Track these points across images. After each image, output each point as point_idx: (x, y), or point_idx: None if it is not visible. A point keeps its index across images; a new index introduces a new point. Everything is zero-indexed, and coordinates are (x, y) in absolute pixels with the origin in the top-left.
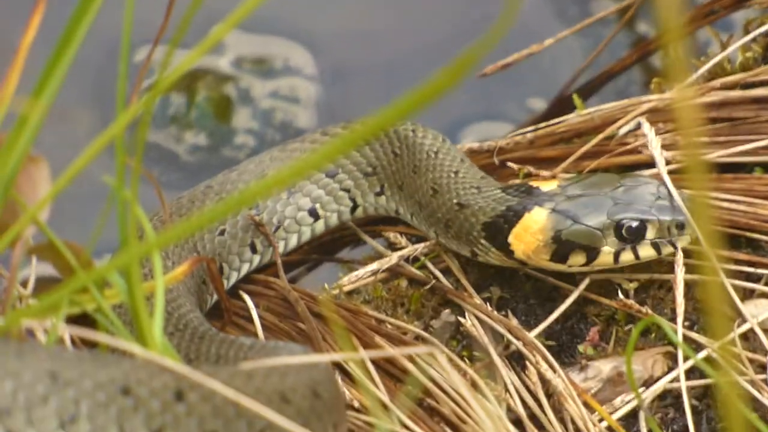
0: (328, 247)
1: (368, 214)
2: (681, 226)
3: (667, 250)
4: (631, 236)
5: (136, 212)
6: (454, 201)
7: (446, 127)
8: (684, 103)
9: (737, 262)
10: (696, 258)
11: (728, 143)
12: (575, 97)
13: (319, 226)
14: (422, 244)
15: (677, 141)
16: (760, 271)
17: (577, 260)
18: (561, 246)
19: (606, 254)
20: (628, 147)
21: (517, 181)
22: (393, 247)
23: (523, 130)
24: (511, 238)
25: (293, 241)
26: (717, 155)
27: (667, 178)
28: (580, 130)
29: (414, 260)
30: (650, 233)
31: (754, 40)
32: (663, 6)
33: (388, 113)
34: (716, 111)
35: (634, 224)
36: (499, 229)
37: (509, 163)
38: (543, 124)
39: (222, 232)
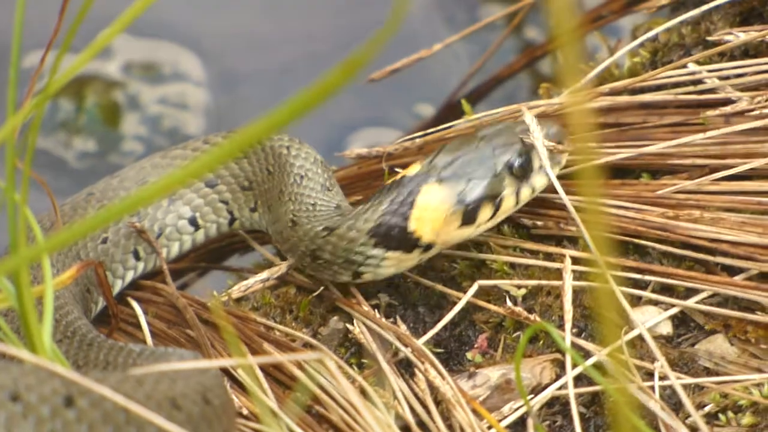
0: (217, 254)
1: (245, 228)
2: (559, 142)
3: (555, 170)
4: (522, 171)
5: (26, 216)
6: (318, 228)
7: (334, 132)
8: (575, 108)
9: (625, 268)
10: (585, 265)
11: (616, 148)
12: (464, 102)
13: (200, 235)
14: None
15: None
16: (647, 277)
17: (485, 215)
18: (467, 207)
19: (508, 197)
20: None
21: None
22: (282, 254)
23: (411, 136)
24: (412, 225)
25: (175, 249)
26: (605, 161)
27: (556, 183)
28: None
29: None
30: (536, 162)
31: (641, 45)
32: (554, 10)
33: (273, 118)
34: (604, 116)
35: (521, 159)
36: (391, 226)
37: (397, 169)
38: (432, 130)
39: (104, 240)
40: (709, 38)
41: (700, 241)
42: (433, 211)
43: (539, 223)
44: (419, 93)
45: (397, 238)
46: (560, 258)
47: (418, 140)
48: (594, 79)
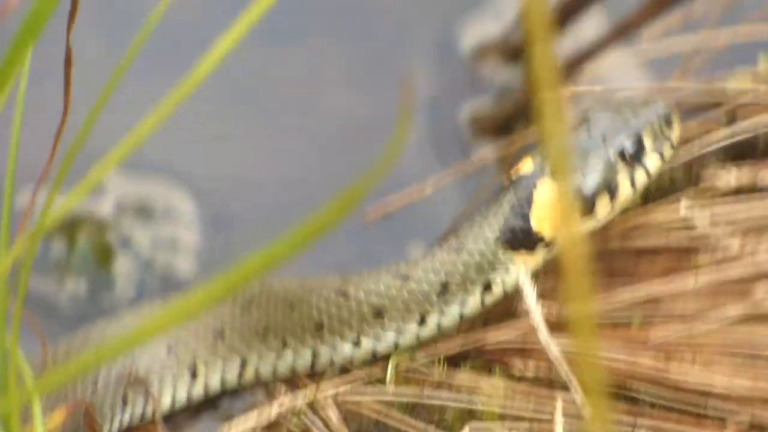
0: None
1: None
2: (667, 120)
3: (668, 151)
4: (635, 155)
5: (16, 359)
6: (401, 272)
7: (326, 270)
8: (571, 254)
9: (616, 414)
10: (576, 410)
11: (607, 295)
12: None
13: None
14: (302, 394)
15: (557, 291)
16: (639, 422)
17: (603, 204)
18: (584, 199)
19: (624, 183)
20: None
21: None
22: (271, 396)
23: None
24: (535, 225)
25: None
26: (598, 307)
27: (544, 329)
28: None
29: (293, 410)
30: (648, 142)
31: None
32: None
33: (266, 256)
34: (596, 261)
35: (631, 143)
36: (515, 228)
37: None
38: None
39: (95, 383)
40: (701, 183)
41: (691, 386)
42: (552, 208)
43: (531, 365)
44: (411, 231)
45: (522, 239)
46: (551, 403)
47: None
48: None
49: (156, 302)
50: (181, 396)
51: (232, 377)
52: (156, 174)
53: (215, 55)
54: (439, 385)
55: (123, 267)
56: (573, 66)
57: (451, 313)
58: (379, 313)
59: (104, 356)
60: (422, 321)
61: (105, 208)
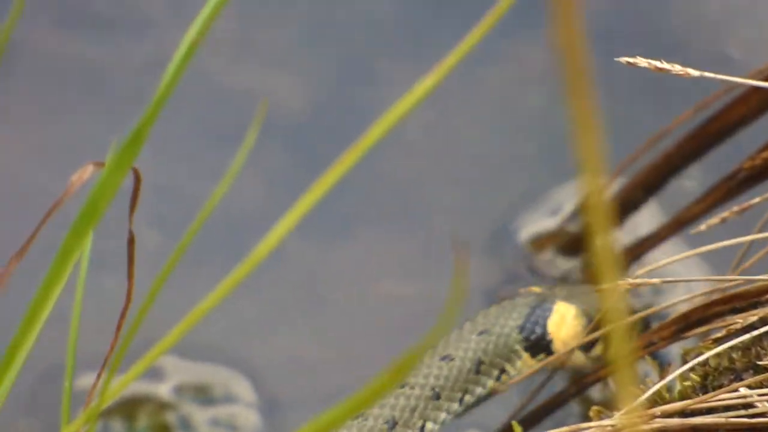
0: None
1: None
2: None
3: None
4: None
5: None
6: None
7: None
8: (630, 429)
9: None
10: None
11: None
12: (515, 424)
13: None
14: None
15: None
16: None
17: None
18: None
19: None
20: None
21: None
22: None
23: None
24: (551, 328)
25: None
26: None
27: None
28: None
29: None
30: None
31: (692, 369)
32: (611, 337)
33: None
34: None
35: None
36: (533, 326)
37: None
38: None
39: None
40: (759, 363)
41: None
42: (569, 322)
43: None
44: (469, 417)
45: (535, 340)
46: None
47: None
48: (645, 402)
49: None
50: None
51: None
52: (214, 357)
53: (271, 240)
54: None
55: None
56: (630, 258)
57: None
58: None
59: None
60: None
61: (164, 390)
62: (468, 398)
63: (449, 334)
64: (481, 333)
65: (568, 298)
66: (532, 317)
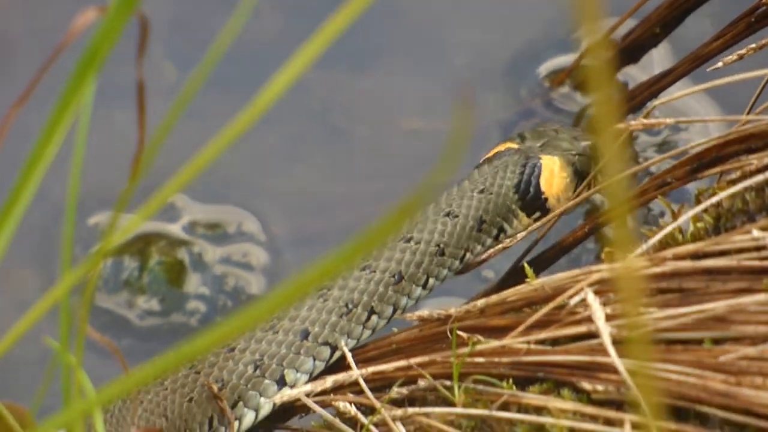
0: (279, 415)
1: None
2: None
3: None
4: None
5: (79, 378)
6: (475, 192)
7: None
8: (627, 275)
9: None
10: (645, 430)
11: (678, 315)
12: (526, 266)
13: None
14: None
15: (623, 312)
16: None
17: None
18: (576, 172)
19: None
20: (578, 317)
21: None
22: (342, 417)
23: (474, 301)
24: (544, 187)
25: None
26: (665, 326)
27: (611, 350)
28: (531, 299)
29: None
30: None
31: (705, 210)
32: (610, 180)
33: (334, 258)
34: (666, 282)
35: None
36: (528, 185)
37: (459, 332)
38: (494, 297)
39: (190, 399)
40: None
41: (762, 408)
42: (558, 176)
43: (599, 387)
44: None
45: (530, 200)
46: (620, 423)
47: (479, 303)
48: (657, 244)
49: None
50: None
51: None
52: (228, 194)
53: (288, 75)
54: (506, 406)
55: (194, 284)
56: (643, 97)
57: None
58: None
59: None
60: None
61: (177, 228)
62: (468, 256)
63: (450, 189)
64: (481, 191)
65: (548, 150)
66: (524, 176)
